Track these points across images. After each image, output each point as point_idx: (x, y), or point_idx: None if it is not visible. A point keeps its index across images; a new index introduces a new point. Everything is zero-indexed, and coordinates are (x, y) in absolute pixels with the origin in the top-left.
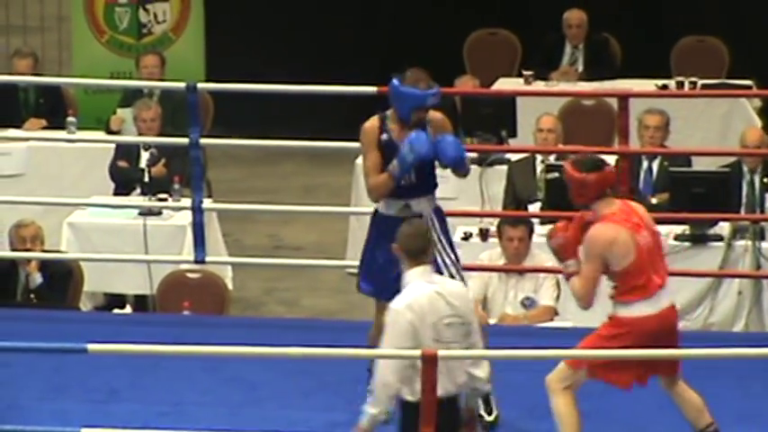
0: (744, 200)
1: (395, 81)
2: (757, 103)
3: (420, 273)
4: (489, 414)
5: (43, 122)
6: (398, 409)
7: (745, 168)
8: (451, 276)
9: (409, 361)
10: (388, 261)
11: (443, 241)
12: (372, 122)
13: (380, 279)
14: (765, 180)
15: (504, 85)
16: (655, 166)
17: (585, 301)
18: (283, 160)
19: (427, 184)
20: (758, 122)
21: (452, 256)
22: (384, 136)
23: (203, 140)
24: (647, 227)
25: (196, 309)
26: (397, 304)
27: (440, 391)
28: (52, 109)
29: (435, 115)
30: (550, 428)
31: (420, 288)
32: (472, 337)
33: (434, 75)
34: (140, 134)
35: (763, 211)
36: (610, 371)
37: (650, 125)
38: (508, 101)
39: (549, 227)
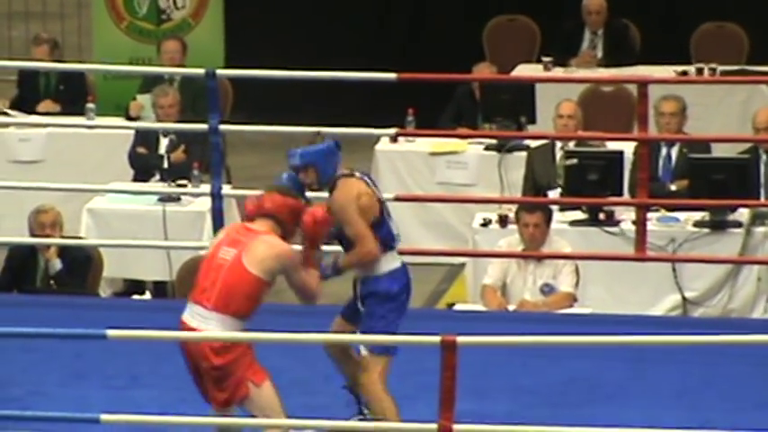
0: (763, 180)
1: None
2: None
3: None
4: None
5: (57, 105)
6: None
7: (761, 150)
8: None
9: None
10: None
11: (367, 312)
12: None
13: None
14: None
15: (524, 71)
16: (674, 152)
17: None
18: None
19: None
20: None
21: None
22: None
23: (222, 126)
24: (242, 251)
25: None
26: None
27: None
28: (72, 95)
29: (335, 195)
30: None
31: None
32: None
33: (453, 61)
34: (159, 120)
35: None
36: None
37: (666, 111)
38: (527, 87)
39: (568, 213)
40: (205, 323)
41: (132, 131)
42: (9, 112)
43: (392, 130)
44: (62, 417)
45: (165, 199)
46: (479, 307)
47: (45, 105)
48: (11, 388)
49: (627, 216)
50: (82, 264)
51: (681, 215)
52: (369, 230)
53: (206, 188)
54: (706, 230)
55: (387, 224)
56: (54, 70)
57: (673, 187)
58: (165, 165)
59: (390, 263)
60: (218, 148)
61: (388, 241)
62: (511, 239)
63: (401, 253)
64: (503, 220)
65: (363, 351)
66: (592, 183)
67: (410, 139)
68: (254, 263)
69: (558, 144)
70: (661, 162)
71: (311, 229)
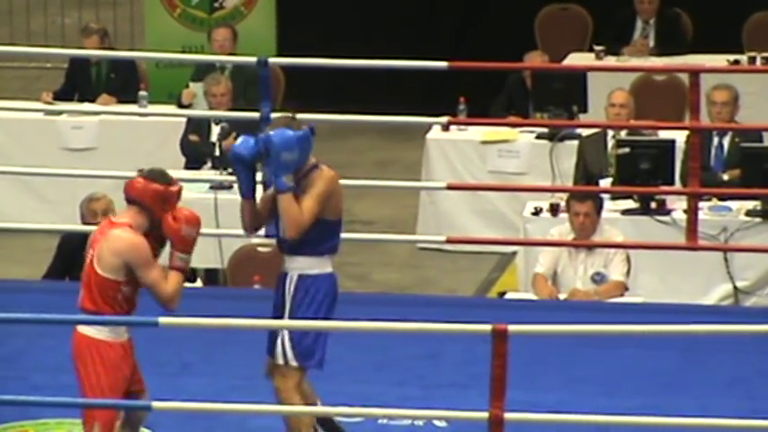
0: None
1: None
2: None
3: None
4: None
5: (114, 100)
6: None
7: None
8: (283, 348)
9: None
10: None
11: (292, 310)
12: None
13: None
14: None
15: (576, 60)
16: (725, 142)
17: None
18: (355, 135)
19: (288, 244)
20: None
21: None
22: None
23: (274, 115)
24: (95, 251)
25: (267, 283)
26: None
27: None
28: (124, 83)
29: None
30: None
31: None
32: None
33: (505, 50)
34: (211, 108)
35: None
36: None
37: (717, 101)
38: (579, 76)
39: (619, 202)
40: (83, 327)
41: (184, 119)
42: (54, 103)
43: (444, 119)
44: (113, 404)
45: (217, 187)
46: (530, 296)
47: (102, 100)
48: (62, 375)
49: (678, 205)
50: None
51: (733, 204)
52: (316, 215)
53: (258, 176)
54: (758, 220)
55: (340, 229)
56: (105, 58)
57: (725, 176)
58: (217, 153)
59: (326, 266)
60: None
61: (334, 245)
62: (562, 228)
63: (452, 241)
64: (554, 209)
65: (291, 360)
66: (643, 172)
67: (462, 127)
68: (99, 262)
69: (610, 133)
70: (713, 151)
71: (171, 228)
